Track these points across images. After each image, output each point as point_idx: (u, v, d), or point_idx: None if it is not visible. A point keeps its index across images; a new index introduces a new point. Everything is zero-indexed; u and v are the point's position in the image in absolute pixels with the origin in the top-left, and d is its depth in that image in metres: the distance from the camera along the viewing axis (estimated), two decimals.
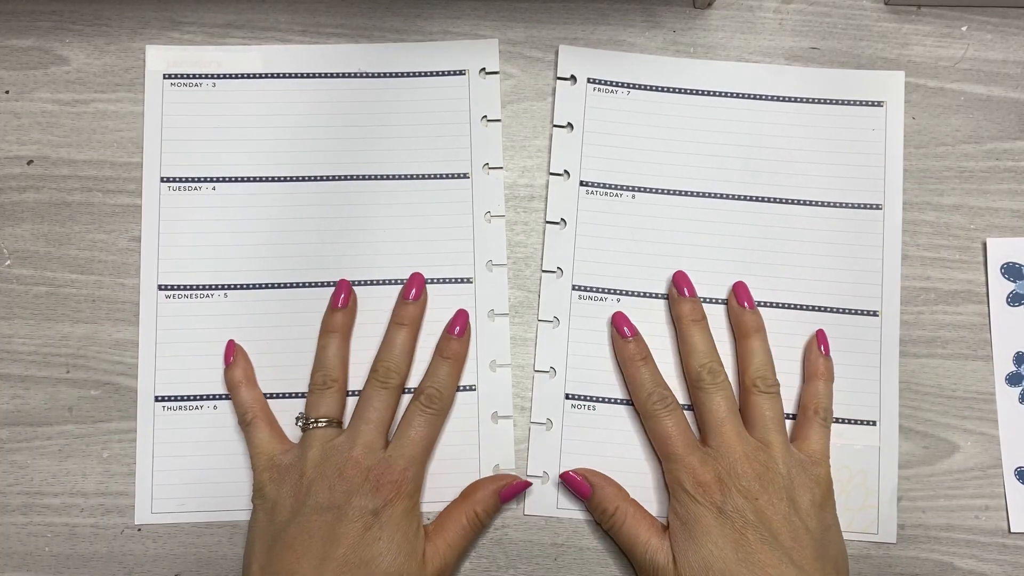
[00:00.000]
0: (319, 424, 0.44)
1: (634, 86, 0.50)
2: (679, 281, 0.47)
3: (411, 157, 0.49)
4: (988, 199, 0.50)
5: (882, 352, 0.48)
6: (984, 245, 0.49)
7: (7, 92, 0.50)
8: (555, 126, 0.49)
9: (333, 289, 0.47)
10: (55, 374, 0.47)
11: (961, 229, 0.49)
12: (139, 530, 0.46)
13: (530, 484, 0.46)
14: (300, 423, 0.45)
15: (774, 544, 0.40)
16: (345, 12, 0.51)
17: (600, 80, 0.50)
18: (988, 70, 0.51)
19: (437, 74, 0.50)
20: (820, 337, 0.47)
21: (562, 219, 0.49)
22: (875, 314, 0.48)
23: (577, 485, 0.45)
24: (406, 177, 0.49)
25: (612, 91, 0.50)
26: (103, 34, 0.50)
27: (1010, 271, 0.49)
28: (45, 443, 0.47)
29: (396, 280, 0.48)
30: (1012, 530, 0.47)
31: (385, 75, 0.50)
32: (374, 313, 0.47)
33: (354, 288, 0.47)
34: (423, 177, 0.49)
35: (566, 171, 0.49)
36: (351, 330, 0.47)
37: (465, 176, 0.49)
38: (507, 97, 0.50)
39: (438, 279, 0.48)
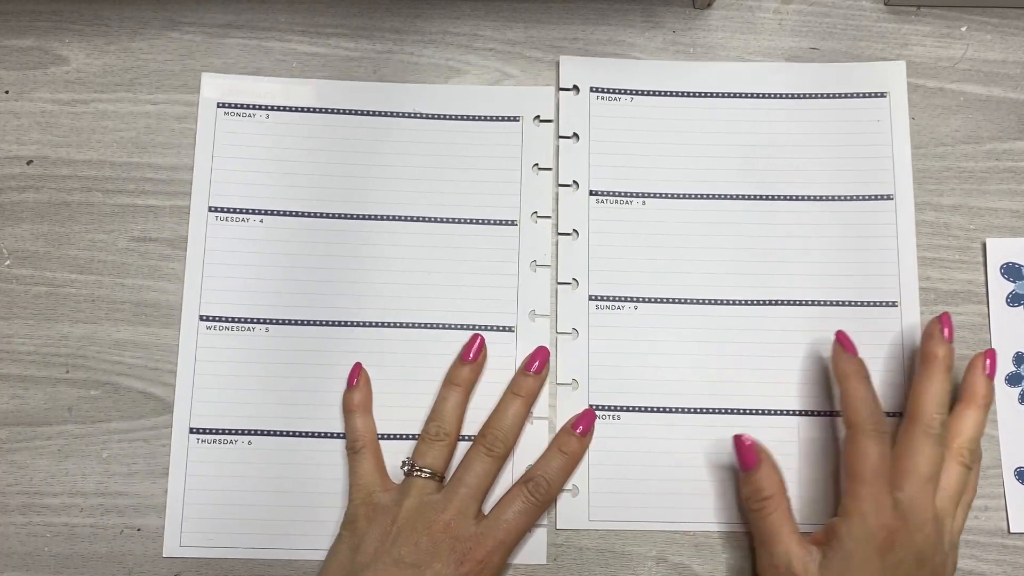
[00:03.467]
0: (423, 474, 0.44)
1: (637, 92, 0.50)
2: (943, 322, 0.45)
3: (460, 200, 0.49)
4: (988, 199, 0.50)
5: (904, 343, 0.48)
6: (984, 245, 0.49)
7: (7, 92, 0.50)
8: (561, 137, 0.49)
9: (468, 339, 0.47)
10: (55, 374, 0.47)
11: (961, 229, 0.49)
12: (138, 530, 0.46)
13: None
14: (405, 468, 0.45)
15: None
16: (344, 12, 0.51)
17: (603, 88, 0.50)
18: (988, 70, 0.51)
19: (491, 119, 0.50)
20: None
21: (574, 230, 0.48)
22: (894, 304, 0.48)
23: (746, 453, 0.43)
24: (454, 221, 0.48)
25: (615, 99, 0.50)
26: (103, 34, 0.50)
27: (1010, 271, 0.49)
28: (45, 443, 0.47)
29: (435, 324, 0.47)
30: (1012, 530, 0.47)
31: (439, 117, 0.50)
32: (416, 356, 0.47)
33: (485, 345, 0.47)
34: (471, 222, 0.48)
35: (575, 182, 0.49)
36: (475, 386, 0.47)
37: (513, 223, 0.49)
38: None
39: (479, 326, 0.47)
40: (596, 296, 0.48)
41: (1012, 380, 0.48)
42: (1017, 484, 0.47)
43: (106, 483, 0.46)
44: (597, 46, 0.51)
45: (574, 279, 0.48)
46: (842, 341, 0.45)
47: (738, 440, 0.43)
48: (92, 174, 0.49)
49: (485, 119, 0.50)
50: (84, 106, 0.50)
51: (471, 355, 0.46)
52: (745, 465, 0.43)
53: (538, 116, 0.50)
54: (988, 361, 0.45)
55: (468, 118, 0.50)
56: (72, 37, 0.50)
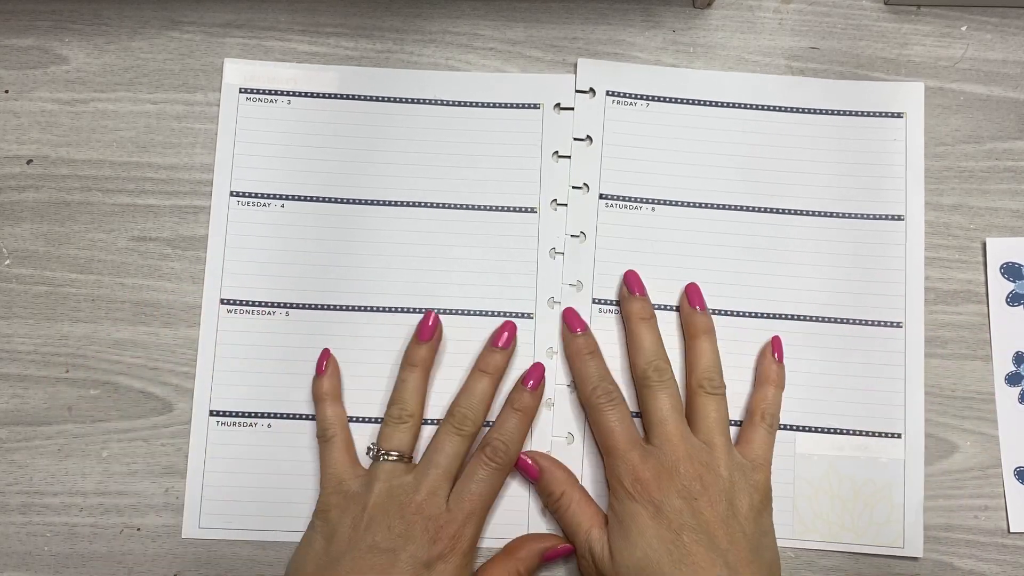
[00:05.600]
0: (390, 457, 0.44)
1: (653, 98, 0.50)
2: (630, 280, 0.47)
3: (479, 188, 0.49)
4: (988, 199, 0.50)
5: (907, 363, 0.47)
6: (984, 245, 0.49)
7: (7, 92, 0.50)
8: (574, 139, 0.49)
9: (420, 319, 0.46)
10: (54, 374, 0.47)
11: (960, 229, 0.49)
12: (138, 530, 0.46)
13: (574, 550, 0.44)
14: (371, 453, 0.45)
15: (710, 546, 0.40)
16: (344, 12, 0.51)
17: (619, 93, 0.50)
18: (988, 70, 0.51)
19: (512, 106, 0.50)
20: (775, 344, 0.47)
21: (582, 232, 0.48)
22: (899, 325, 0.48)
23: (526, 467, 0.45)
24: (473, 207, 0.49)
25: (631, 103, 0.50)
26: (103, 33, 0.50)
27: (1010, 271, 0.49)
28: (44, 443, 0.47)
29: (454, 310, 0.47)
30: (1011, 530, 0.47)
31: (460, 104, 0.50)
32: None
33: (440, 320, 0.47)
34: (490, 209, 0.49)
35: (585, 184, 0.49)
36: (432, 365, 0.46)
37: (532, 211, 0.49)
38: None
39: (498, 312, 0.48)
40: (600, 300, 0.48)
41: (1012, 380, 0.48)
42: (1017, 484, 0.47)
43: (106, 483, 0.46)
44: (597, 46, 0.51)
45: (579, 281, 0.48)
46: (567, 319, 0.47)
47: (516, 462, 0.45)
48: (92, 174, 0.49)
49: (506, 106, 0.50)
50: (84, 106, 0.50)
51: (425, 335, 0.46)
52: (531, 477, 0.45)
53: (559, 104, 0.50)
54: (689, 295, 0.47)
55: (489, 105, 0.50)
56: (72, 37, 0.50)
